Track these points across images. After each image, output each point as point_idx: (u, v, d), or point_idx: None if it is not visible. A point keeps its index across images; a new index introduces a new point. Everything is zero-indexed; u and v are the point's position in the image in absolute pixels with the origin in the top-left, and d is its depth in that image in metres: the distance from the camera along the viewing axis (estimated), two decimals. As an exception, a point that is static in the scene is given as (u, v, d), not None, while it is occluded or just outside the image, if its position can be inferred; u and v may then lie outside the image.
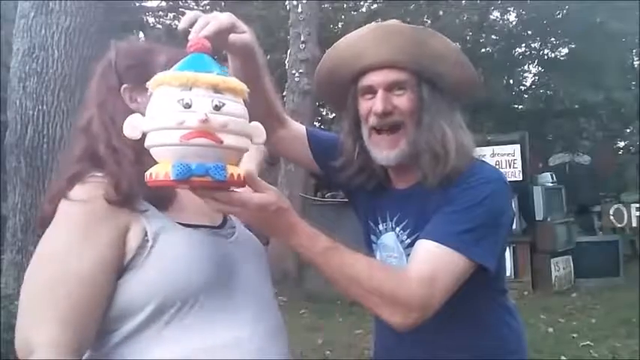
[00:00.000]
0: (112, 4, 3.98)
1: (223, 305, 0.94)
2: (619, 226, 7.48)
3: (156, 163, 0.83)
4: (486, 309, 1.19)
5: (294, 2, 6.99)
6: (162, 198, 0.95)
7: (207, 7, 11.43)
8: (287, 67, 6.87)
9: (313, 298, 5.72)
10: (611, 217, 7.54)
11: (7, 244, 3.70)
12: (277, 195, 0.88)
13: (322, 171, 1.29)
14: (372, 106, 1.11)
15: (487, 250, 1.05)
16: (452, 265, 1.00)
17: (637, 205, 7.41)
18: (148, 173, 0.81)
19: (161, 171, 0.78)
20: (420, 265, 1.00)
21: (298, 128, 1.27)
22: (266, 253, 1.13)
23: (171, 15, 11.61)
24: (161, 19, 11.70)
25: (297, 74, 6.73)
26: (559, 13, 10.49)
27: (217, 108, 0.78)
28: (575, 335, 4.37)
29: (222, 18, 0.92)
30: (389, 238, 1.20)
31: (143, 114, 0.92)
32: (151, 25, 11.22)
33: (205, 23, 0.89)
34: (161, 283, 0.89)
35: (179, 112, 0.77)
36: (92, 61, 1.10)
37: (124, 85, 1.01)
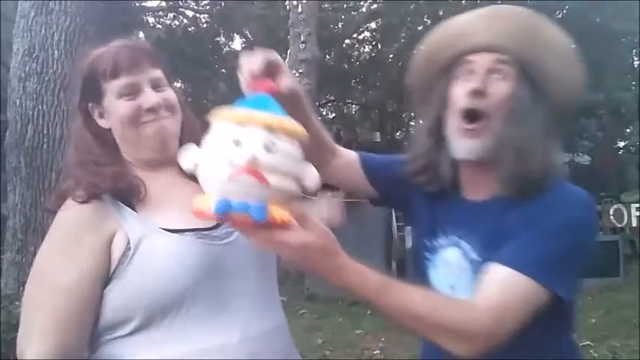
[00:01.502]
0: (112, 4, 3.98)
1: (210, 311, 0.94)
2: (619, 226, 7.47)
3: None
4: (550, 345, 1.06)
5: (294, 2, 6.99)
6: (127, 192, 0.97)
7: (207, 7, 11.45)
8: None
9: (313, 298, 5.72)
10: (611, 217, 7.52)
11: (7, 244, 3.70)
12: (323, 235, 0.83)
13: (377, 192, 1.23)
14: (467, 86, 1.03)
15: (569, 281, 0.95)
16: (527, 294, 0.91)
17: (637, 205, 7.42)
18: (193, 204, 0.81)
19: (205, 204, 0.79)
20: (490, 294, 0.92)
21: (349, 154, 1.23)
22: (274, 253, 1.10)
23: (171, 15, 11.62)
24: (161, 19, 11.70)
25: (297, 74, 6.72)
26: (559, 13, 10.47)
27: (268, 148, 0.77)
28: (574, 335, 4.36)
29: (264, 54, 0.92)
30: (451, 254, 1.09)
31: (112, 128, 1.02)
32: (151, 25, 11.23)
33: (249, 60, 0.89)
34: (141, 295, 0.90)
35: (229, 149, 0.77)
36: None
37: (90, 104, 1.03)
